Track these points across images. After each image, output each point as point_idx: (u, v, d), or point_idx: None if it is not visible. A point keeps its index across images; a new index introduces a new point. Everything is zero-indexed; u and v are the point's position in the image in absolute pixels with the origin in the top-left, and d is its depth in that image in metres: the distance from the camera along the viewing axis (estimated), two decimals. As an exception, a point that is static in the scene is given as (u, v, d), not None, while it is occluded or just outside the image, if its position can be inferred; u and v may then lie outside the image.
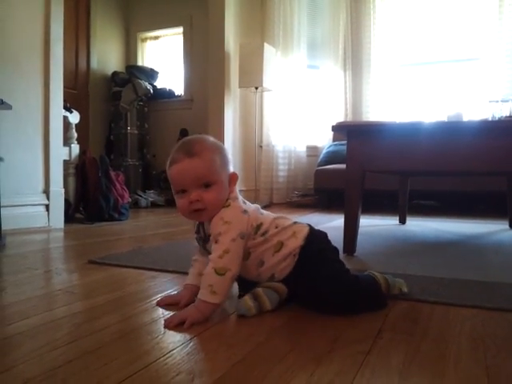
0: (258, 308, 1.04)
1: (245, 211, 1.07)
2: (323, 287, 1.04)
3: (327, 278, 1.06)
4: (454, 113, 2.23)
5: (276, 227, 1.10)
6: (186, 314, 0.97)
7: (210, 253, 1.05)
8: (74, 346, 0.85)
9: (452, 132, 1.74)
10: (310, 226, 1.16)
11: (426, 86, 4.69)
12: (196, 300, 1.01)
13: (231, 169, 1.08)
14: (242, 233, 1.03)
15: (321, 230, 1.19)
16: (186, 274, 1.21)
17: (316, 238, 1.14)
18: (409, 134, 1.78)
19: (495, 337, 0.92)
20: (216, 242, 1.02)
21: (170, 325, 0.95)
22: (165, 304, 1.12)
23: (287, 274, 1.10)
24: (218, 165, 1.04)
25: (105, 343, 0.86)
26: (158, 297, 1.19)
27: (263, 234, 1.08)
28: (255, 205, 1.15)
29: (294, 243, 1.10)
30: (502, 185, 2.94)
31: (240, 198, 1.10)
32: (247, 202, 1.13)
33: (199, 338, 0.91)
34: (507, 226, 2.84)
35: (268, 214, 1.14)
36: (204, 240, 1.11)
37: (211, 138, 1.08)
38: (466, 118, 2.22)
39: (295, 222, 1.15)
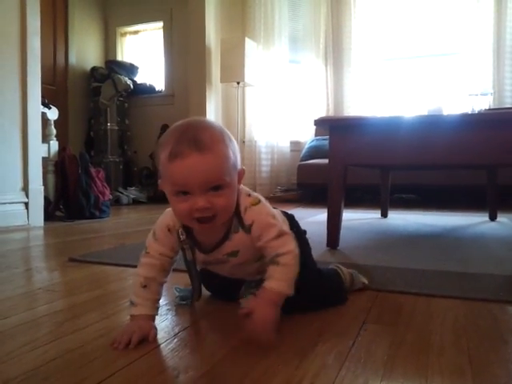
0: None
1: (266, 201, 0.97)
2: (309, 286, 1.00)
3: (312, 278, 1.03)
4: (435, 107, 2.25)
5: None
6: (266, 316, 0.83)
7: (193, 274, 0.97)
8: (55, 344, 0.84)
9: (432, 125, 1.75)
10: (287, 216, 1.08)
11: (406, 80, 4.74)
12: (267, 291, 0.86)
13: (240, 162, 0.91)
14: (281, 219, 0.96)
15: (287, 212, 1.10)
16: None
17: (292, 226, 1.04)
18: (390, 128, 1.80)
19: (477, 327, 0.93)
20: (279, 236, 0.89)
21: (261, 336, 0.81)
22: (125, 345, 0.81)
23: None
24: (232, 162, 0.86)
25: (87, 341, 0.85)
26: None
27: None
28: None
29: None
30: (481, 178, 2.98)
31: (248, 189, 0.96)
32: None
33: (183, 334, 0.90)
34: (487, 219, 2.89)
35: None
36: (194, 263, 0.96)
37: (215, 123, 0.90)
38: (446, 112, 2.24)
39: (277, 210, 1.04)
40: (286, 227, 0.93)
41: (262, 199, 0.94)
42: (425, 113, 2.22)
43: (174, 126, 0.86)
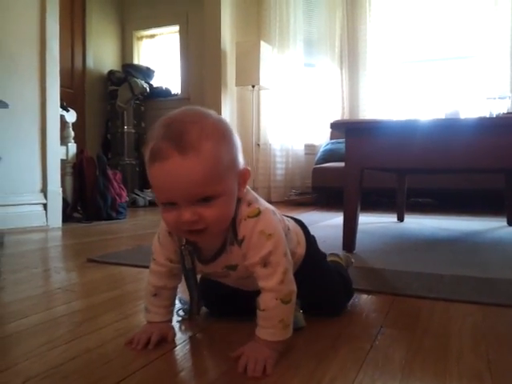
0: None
1: (273, 212, 0.83)
2: (328, 294, 0.99)
3: (330, 285, 1.01)
4: (452, 110, 2.23)
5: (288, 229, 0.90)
6: (263, 357, 0.73)
7: (191, 284, 0.86)
8: (74, 344, 0.85)
9: (450, 129, 1.74)
10: (299, 223, 1.01)
11: (422, 83, 4.70)
12: (258, 339, 0.77)
13: (241, 161, 0.77)
14: (285, 241, 0.80)
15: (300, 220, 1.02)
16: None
17: (308, 240, 0.99)
18: (407, 132, 1.78)
19: (496, 332, 0.92)
20: (265, 264, 0.76)
21: (255, 373, 0.70)
22: (144, 345, 0.81)
23: None
24: (225, 165, 0.71)
25: (105, 341, 0.86)
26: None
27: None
28: None
29: (300, 251, 0.94)
30: (499, 182, 2.94)
31: (255, 195, 0.83)
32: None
33: (201, 335, 0.91)
34: (505, 223, 2.84)
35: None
36: (193, 272, 0.86)
37: (212, 114, 0.74)
38: (463, 116, 2.22)
39: (288, 219, 0.96)
40: (281, 256, 0.77)
41: (265, 211, 0.79)
42: (442, 116, 2.20)
43: (162, 118, 0.73)
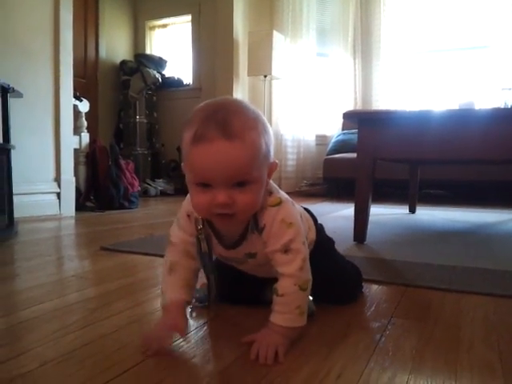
0: None
1: (292, 203, 0.85)
2: (341, 279, 1.01)
3: (341, 270, 1.04)
4: (466, 101, 2.21)
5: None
6: (275, 344, 0.74)
7: (207, 266, 0.88)
8: (89, 329, 0.86)
9: (464, 120, 1.72)
10: (306, 210, 1.02)
11: (436, 74, 4.64)
12: (273, 324, 0.78)
13: (272, 154, 0.79)
14: (303, 231, 0.84)
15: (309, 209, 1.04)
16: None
17: (316, 226, 1.01)
18: (420, 123, 1.77)
19: (508, 323, 0.92)
20: (286, 251, 0.79)
21: (267, 361, 0.72)
22: (155, 352, 0.75)
23: None
24: (263, 154, 0.75)
25: (119, 327, 0.87)
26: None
27: None
28: None
29: (311, 237, 0.96)
30: (513, 174, 2.91)
31: (275, 185, 0.85)
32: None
33: (213, 322, 0.92)
34: (518, 215, 2.82)
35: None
36: (209, 256, 0.87)
37: (251, 106, 0.78)
38: (477, 106, 2.19)
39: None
40: (301, 244, 0.80)
41: (285, 201, 0.82)
42: (456, 107, 2.18)
43: (205, 104, 0.76)
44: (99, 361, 0.72)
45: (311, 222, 0.99)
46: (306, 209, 1.02)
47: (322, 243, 1.00)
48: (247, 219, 0.81)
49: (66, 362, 0.72)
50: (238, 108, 0.75)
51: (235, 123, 0.71)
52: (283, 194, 0.84)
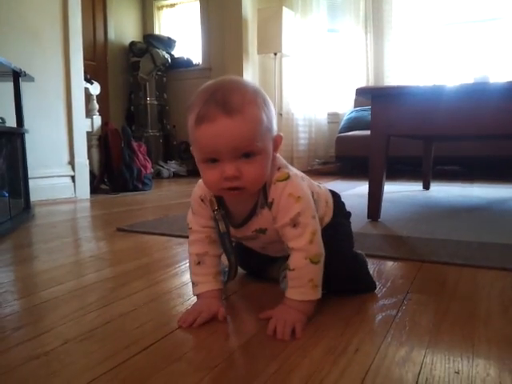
0: None
1: (302, 178, 0.86)
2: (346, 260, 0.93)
3: (346, 250, 0.96)
4: (481, 75, 2.16)
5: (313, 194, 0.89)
6: (292, 320, 0.75)
7: (227, 247, 0.88)
8: (108, 309, 0.88)
9: (478, 94, 1.69)
10: (332, 192, 1.01)
11: (450, 47, 4.54)
12: (288, 300, 0.80)
13: (275, 128, 0.81)
14: (313, 205, 0.84)
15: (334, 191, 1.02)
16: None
17: (336, 207, 0.99)
18: (435, 98, 1.74)
19: (525, 298, 0.91)
20: (295, 225, 0.79)
21: (284, 337, 0.73)
22: (198, 324, 0.79)
23: None
24: (265, 126, 0.77)
25: (138, 306, 0.89)
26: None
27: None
28: None
29: (328, 216, 0.95)
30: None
31: (284, 161, 0.86)
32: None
33: (230, 299, 0.93)
34: (535, 190, 2.79)
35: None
36: (228, 235, 0.88)
37: (250, 83, 0.81)
38: (492, 80, 2.14)
39: (320, 186, 0.99)
40: (310, 218, 0.80)
41: (293, 175, 0.82)
42: (470, 81, 2.13)
43: (205, 86, 0.78)
44: (120, 338, 0.74)
45: (330, 207, 0.96)
46: (331, 191, 1.00)
47: (335, 225, 0.95)
48: (256, 194, 0.82)
49: (87, 340, 0.74)
50: (236, 85, 0.77)
51: (234, 100, 0.73)
52: (292, 169, 0.85)
